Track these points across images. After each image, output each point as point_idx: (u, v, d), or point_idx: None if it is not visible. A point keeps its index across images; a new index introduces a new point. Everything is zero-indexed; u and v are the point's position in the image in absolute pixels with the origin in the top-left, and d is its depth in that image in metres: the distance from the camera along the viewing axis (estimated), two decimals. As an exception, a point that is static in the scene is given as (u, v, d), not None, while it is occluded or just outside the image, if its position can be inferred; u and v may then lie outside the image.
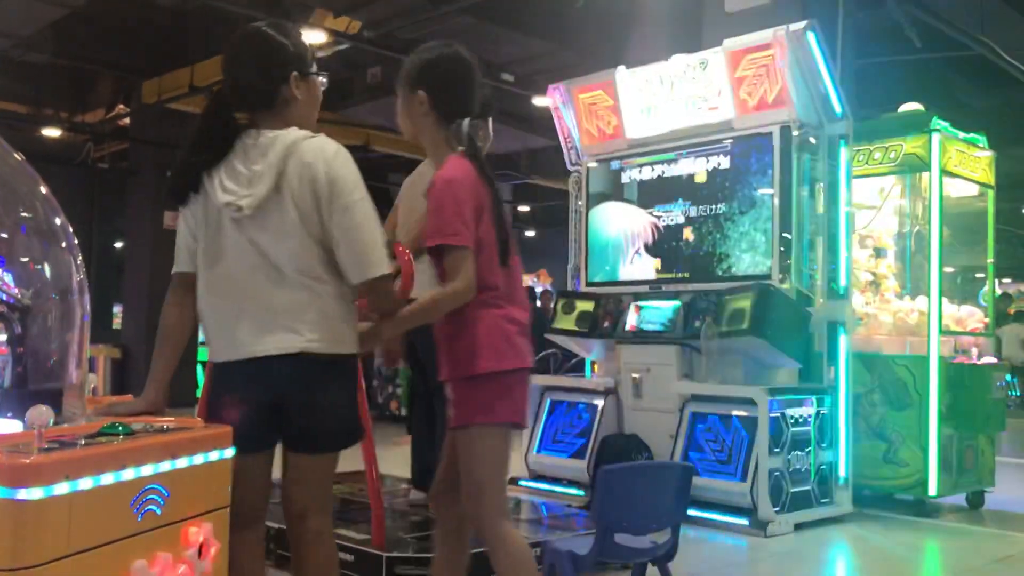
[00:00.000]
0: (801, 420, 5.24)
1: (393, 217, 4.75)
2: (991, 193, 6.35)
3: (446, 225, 2.47)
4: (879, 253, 6.41)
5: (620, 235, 6.32)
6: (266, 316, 2.31)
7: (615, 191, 6.39)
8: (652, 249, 6.13)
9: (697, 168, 5.91)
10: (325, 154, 2.34)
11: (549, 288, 15.64)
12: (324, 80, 2.53)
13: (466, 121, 2.63)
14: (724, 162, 5.76)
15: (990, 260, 6.42)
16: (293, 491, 2.43)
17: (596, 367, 6.63)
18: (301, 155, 2.32)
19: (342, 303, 2.39)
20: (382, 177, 14.94)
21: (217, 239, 2.34)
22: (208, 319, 2.38)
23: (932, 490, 5.52)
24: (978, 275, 6.69)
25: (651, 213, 6.15)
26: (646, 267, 6.14)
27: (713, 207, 5.80)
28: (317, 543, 2.44)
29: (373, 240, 2.35)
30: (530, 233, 21.43)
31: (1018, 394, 14.68)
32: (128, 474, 1.77)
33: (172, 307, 2.45)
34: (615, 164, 6.40)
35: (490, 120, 4.88)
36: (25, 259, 2.25)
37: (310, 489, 2.44)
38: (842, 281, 5.49)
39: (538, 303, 12.50)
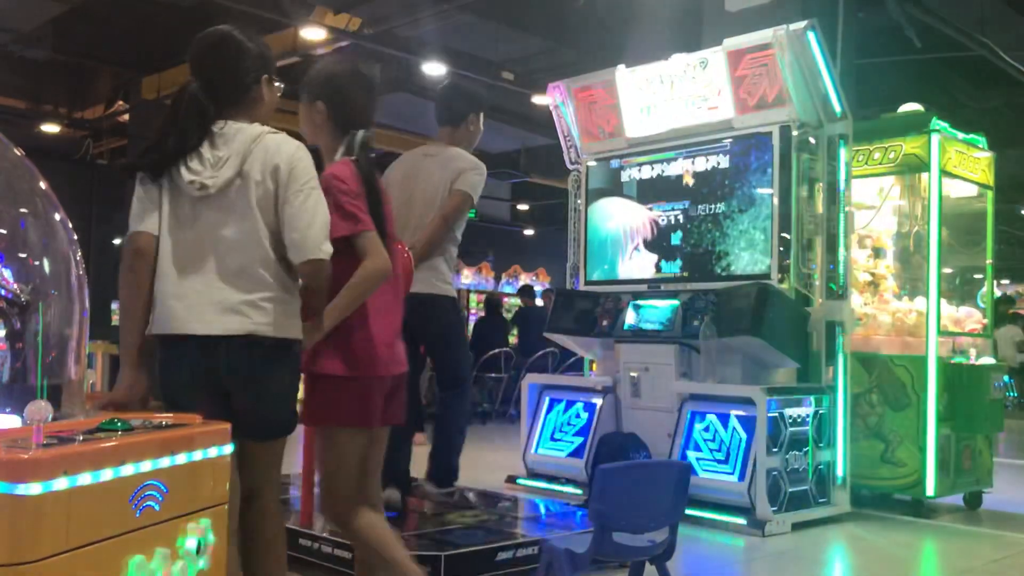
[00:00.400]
0: (799, 420, 5.24)
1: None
2: (990, 194, 6.35)
3: (348, 217, 2.63)
4: (878, 253, 6.41)
5: (619, 230, 6.32)
6: (216, 297, 2.40)
7: (614, 189, 6.39)
8: (651, 245, 6.13)
9: (696, 167, 5.91)
10: (288, 147, 2.50)
11: (550, 287, 15.65)
12: (282, 87, 2.70)
13: (360, 133, 2.80)
14: (723, 161, 5.76)
15: (989, 261, 6.42)
16: (240, 474, 2.49)
17: (594, 366, 6.64)
18: (265, 146, 2.47)
19: (289, 290, 2.49)
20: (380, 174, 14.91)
21: (176, 218, 2.45)
22: (158, 294, 2.44)
23: (930, 490, 5.52)
24: (976, 276, 6.69)
25: (651, 209, 6.16)
26: (645, 263, 6.14)
27: (712, 206, 5.80)
28: (264, 521, 2.56)
29: (322, 225, 2.46)
30: (529, 232, 21.44)
31: (1015, 395, 14.72)
32: (127, 470, 1.77)
33: (129, 274, 2.46)
34: (615, 163, 6.40)
35: (481, 115, 4.89)
36: (24, 255, 2.25)
37: (257, 473, 2.53)
38: (841, 281, 5.49)
39: (539, 301, 12.52)
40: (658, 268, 6.06)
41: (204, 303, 2.39)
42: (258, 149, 2.45)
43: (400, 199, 4.63)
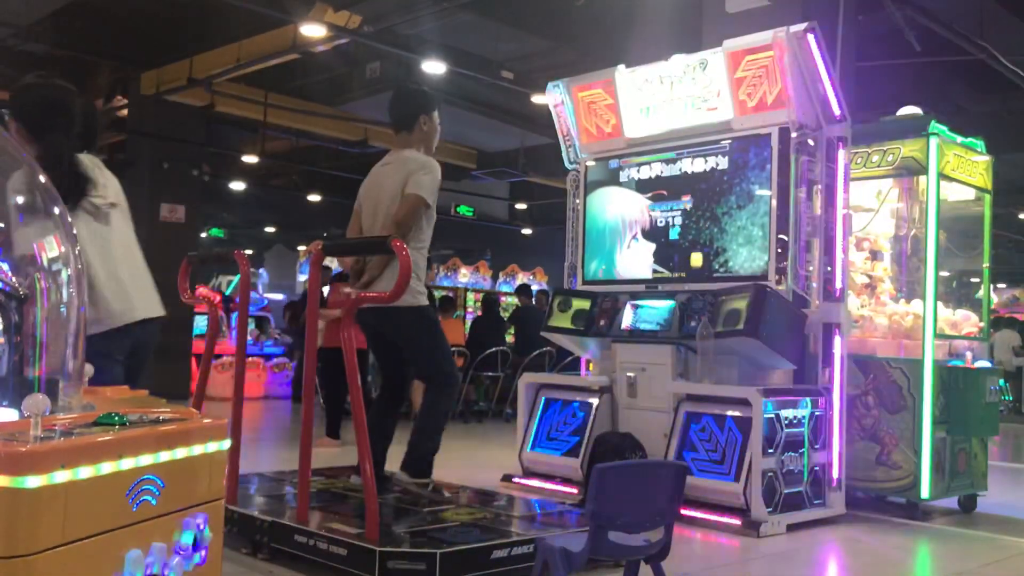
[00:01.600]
0: (795, 421, 5.25)
1: (356, 222, 4.74)
2: (988, 197, 6.36)
3: None
4: (875, 256, 6.42)
5: (617, 219, 6.33)
6: (147, 287, 3.34)
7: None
8: (649, 236, 6.14)
9: (695, 168, 5.92)
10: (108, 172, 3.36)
11: (545, 287, 15.65)
12: None
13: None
14: (722, 162, 5.77)
15: (986, 265, 6.43)
16: None
17: (591, 365, 6.64)
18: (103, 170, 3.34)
19: None
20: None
21: (100, 233, 3.21)
22: (109, 291, 3.18)
23: (924, 493, 5.53)
24: (974, 279, 6.69)
25: (648, 198, 6.16)
26: (643, 254, 6.14)
27: (711, 207, 5.81)
28: None
29: None
30: (527, 231, 21.43)
31: (1010, 399, 14.77)
32: (124, 464, 1.77)
33: None
34: (613, 163, 6.40)
35: (434, 114, 4.90)
36: (22, 248, 2.24)
37: None
38: (838, 283, 5.49)
39: (533, 301, 12.52)
40: (655, 264, 6.07)
41: (143, 293, 3.29)
42: (105, 171, 3.27)
43: (367, 213, 4.66)
